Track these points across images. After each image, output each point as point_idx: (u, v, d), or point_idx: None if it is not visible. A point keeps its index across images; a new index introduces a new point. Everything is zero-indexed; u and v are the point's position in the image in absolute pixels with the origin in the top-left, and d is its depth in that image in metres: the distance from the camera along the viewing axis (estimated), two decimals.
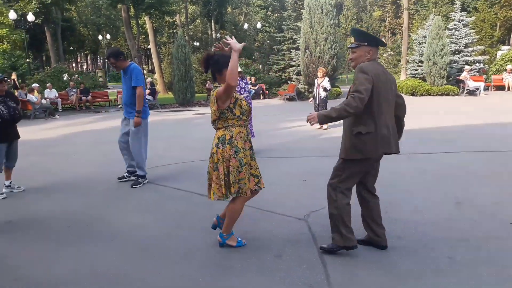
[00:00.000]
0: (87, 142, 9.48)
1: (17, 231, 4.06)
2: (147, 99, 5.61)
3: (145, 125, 5.51)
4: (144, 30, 30.93)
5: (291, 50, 21.60)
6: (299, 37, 19.78)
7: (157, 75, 27.05)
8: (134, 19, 25.21)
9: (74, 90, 18.32)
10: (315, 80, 9.93)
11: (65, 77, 19.34)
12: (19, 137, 5.42)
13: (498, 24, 32.55)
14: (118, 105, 18.63)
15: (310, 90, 19.50)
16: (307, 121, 3.17)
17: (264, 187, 3.40)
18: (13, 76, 17.00)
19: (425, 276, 2.93)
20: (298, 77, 20.16)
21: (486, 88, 18.33)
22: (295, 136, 9.21)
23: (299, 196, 4.83)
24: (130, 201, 4.94)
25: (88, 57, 63.60)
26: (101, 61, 64.21)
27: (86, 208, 4.71)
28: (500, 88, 19.06)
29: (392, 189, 4.98)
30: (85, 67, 62.52)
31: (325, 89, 9.50)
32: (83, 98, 18.32)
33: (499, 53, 24.45)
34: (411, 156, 6.72)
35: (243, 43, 3.28)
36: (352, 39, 3.30)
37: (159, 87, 25.07)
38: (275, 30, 36.08)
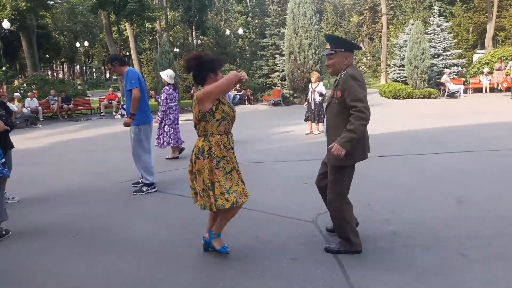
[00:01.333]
0: (76, 151, 9.28)
1: (19, 243, 3.92)
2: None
3: (146, 130, 5.40)
4: (124, 37, 30.59)
5: (275, 55, 21.72)
6: (283, 43, 19.91)
7: None
8: (115, 25, 24.93)
9: (55, 98, 17.94)
10: (309, 85, 9.97)
11: (79, 84, 18.64)
12: (13, 147, 5.26)
13: (471, 28, 33.60)
14: (101, 113, 18.32)
15: (295, 95, 19.64)
16: (333, 155, 3.05)
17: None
18: None
19: (443, 274, 2.97)
20: (283, 82, 20.27)
21: (465, 91, 18.83)
22: (289, 140, 9.24)
23: (303, 199, 4.84)
24: (133, 209, 4.86)
25: (65, 64, 62.38)
26: (78, 69, 63.10)
27: (87, 217, 4.60)
28: (478, 90, 19.61)
29: (394, 189, 5.05)
30: (61, 75, 61.31)
31: (320, 94, 9.53)
32: (65, 106, 17.94)
33: (475, 56, 25.19)
34: (407, 157, 6.83)
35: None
36: (328, 46, 3.29)
37: None
38: (256, 36, 36.28)
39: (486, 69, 19.48)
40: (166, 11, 34.00)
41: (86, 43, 45.30)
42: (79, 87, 27.39)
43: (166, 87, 7.53)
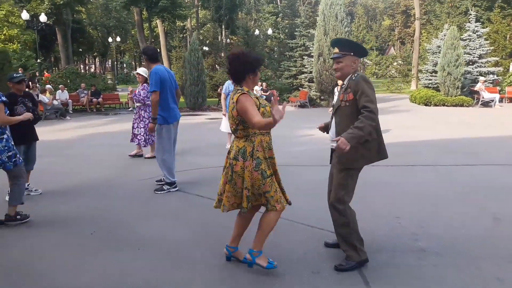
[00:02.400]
0: (103, 144, 9.37)
1: (37, 236, 3.92)
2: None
3: (169, 130, 5.33)
4: (155, 33, 30.99)
5: (303, 56, 21.48)
6: (312, 44, 19.66)
7: None
8: (146, 22, 25.26)
9: (85, 91, 18.29)
10: (335, 89, 9.68)
11: (109, 79, 19.07)
12: (38, 139, 5.30)
13: (508, 35, 32.35)
14: (129, 107, 18.57)
15: (322, 97, 19.37)
16: (337, 149, 2.90)
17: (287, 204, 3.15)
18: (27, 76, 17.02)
19: (437, 272, 2.75)
20: (310, 84, 20.02)
21: (500, 100, 18.10)
22: (314, 143, 9.05)
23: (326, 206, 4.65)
24: (152, 206, 4.80)
25: (97, 59, 63.90)
26: (110, 63, 64.51)
27: (107, 213, 4.57)
28: None
29: (424, 202, 4.81)
30: (92, 69, 62.83)
31: None
32: (94, 100, 18.27)
33: None
34: (437, 167, 6.53)
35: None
36: (336, 50, 3.16)
37: None
38: (285, 36, 36.07)
39: None
40: (197, 9, 34.28)
41: (118, 39, 46.25)
42: (109, 81, 27.89)
43: (145, 84, 7.44)
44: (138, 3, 19.21)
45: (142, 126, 7.55)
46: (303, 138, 9.82)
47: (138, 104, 7.61)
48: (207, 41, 36.00)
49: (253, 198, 2.99)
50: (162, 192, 5.29)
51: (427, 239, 3.71)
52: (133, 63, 63.04)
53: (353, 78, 3.10)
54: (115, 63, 59.84)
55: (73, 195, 5.26)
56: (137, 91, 7.63)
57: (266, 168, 2.98)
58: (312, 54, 19.29)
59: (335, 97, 9.50)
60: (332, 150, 3.23)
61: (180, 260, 3.36)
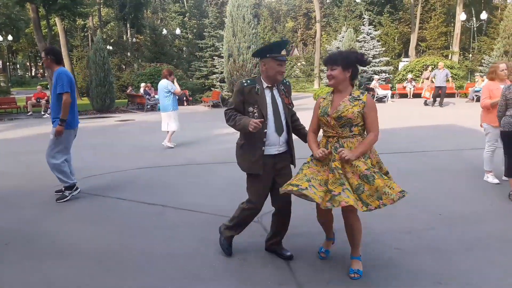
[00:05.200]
0: (2, 153, 8.61)
1: None
2: None
3: (69, 135, 5.06)
4: (54, 32, 28.85)
5: (214, 57, 21.71)
6: (221, 45, 19.97)
7: None
8: (44, 20, 23.39)
9: None
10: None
11: (1, 81, 17.03)
12: None
13: (396, 38, 36.02)
14: (28, 112, 17.14)
15: None
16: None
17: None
18: None
19: (379, 266, 3.21)
20: (222, 84, 20.33)
21: (392, 96, 20.15)
22: (231, 142, 9.29)
23: None
24: (71, 213, 4.64)
25: None
26: (1, 65, 58.18)
27: (21, 223, 4.32)
28: (403, 95, 21.09)
29: None
30: None
31: None
32: None
33: (401, 64, 27.08)
34: None
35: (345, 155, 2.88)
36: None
37: None
38: (194, 36, 35.94)
39: (410, 76, 21.01)
40: (99, 7, 32.59)
41: (10, 37, 41.96)
42: (2, 84, 25.36)
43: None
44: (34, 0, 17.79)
45: None
46: (220, 137, 10.03)
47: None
48: (112, 40, 34.45)
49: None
50: (65, 199, 4.99)
51: (336, 221, 4.15)
52: (28, 63, 57.71)
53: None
54: (7, 64, 54.21)
55: None
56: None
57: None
58: (222, 54, 19.60)
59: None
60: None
61: (108, 263, 3.35)
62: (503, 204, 4.62)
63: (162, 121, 8.63)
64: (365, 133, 3.09)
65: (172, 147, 8.60)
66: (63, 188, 5.16)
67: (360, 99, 3.04)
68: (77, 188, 5.18)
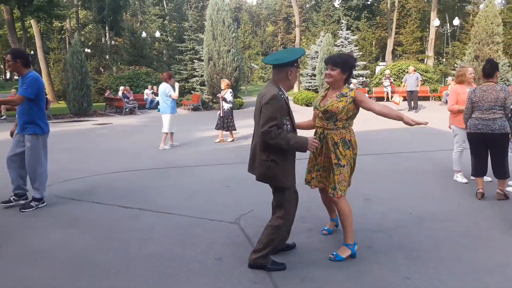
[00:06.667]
0: None
1: None
2: None
3: (44, 140, 4.98)
4: (29, 34, 28.27)
5: (194, 60, 21.69)
6: (201, 48, 19.98)
7: (45, 83, 24.85)
8: (19, 21, 22.89)
9: None
10: (221, 92, 9.90)
11: None
12: None
13: (373, 42, 36.74)
14: (2, 116, 16.76)
15: (214, 100, 19.79)
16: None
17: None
18: None
19: (353, 262, 3.31)
20: (202, 87, 20.32)
21: None
22: (209, 145, 9.33)
23: (226, 202, 4.99)
24: (44, 217, 4.58)
25: None
26: None
27: None
28: (380, 99, 21.46)
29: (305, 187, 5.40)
30: None
31: (224, 100, 9.46)
32: None
33: (378, 68, 27.60)
34: None
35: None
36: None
37: (49, 96, 23.09)
38: (174, 39, 35.81)
39: (388, 71, 21.09)
40: (77, 9, 32.13)
41: None
42: None
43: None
44: (8, 1, 17.36)
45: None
46: (198, 140, 10.04)
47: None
48: (90, 43, 33.98)
49: None
50: (31, 209, 4.81)
51: (313, 221, 4.25)
52: (1, 66, 56.26)
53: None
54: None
55: None
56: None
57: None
58: (202, 58, 19.60)
59: (220, 100, 9.82)
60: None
61: (83, 266, 3.34)
62: (471, 203, 4.80)
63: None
64: (350, 127, 3.48)
65: (169, 148, 9.00)
66: (12, 199, 4.98)
67: (348, 95, 3.36)
68: (44, 202, 4.99)
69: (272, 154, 3.02)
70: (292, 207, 3.25)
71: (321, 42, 22.45)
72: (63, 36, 35.38)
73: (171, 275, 3.18)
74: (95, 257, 3.51)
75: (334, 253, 3.38)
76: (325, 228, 3.95)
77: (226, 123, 9.47)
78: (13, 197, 5.02)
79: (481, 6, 30.10)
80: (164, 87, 8.81)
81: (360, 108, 3.40)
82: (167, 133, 8.97)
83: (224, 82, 9.63)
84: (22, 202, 5.01)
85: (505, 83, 18.54)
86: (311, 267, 3.26)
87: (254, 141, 3.22)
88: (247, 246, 3.66)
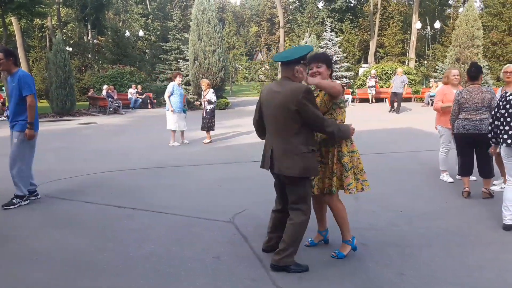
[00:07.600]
0: None
1: None
2: None
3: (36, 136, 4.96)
4: (9, 32, 27.65)
5: (179, 60, 21.59)
6: (186, 48, 19.91)
7: None
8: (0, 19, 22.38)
9: None
10: (202, 92, 9.88)
11: None
12: None
13: (356, 44, 37.23)
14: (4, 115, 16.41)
15: (199, 100, 19.72)
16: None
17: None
18: None
19: (348, 259, 3.39)
20: (187, 87, 20.24)
21: (352, 100, 20.78)
22: (197, 145, 9.34)
23: (220, 201, 5.02)
24: (39, 217, 4.54)
25: None
26: None
27: None
28: (363, 100, 21.78)
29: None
30: None
31: (209, 102, 9.48)
32: None
33: (361, 70, 27.96)
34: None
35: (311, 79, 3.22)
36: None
37: None
38: (157, 39, 35.54)
39: (373, 71, 21.26)
40: (58, 7, 31.56)
41: None
42: None
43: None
44: None
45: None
46: (189, 140, 10.02)
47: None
48: (72, 42, 33.44)
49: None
50: (13, 206, 4.80)
51: (310, 220, 4.31)
52: None
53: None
54: None
55: None
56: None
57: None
58: (187, 57, 19.54)
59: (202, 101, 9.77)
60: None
61: (82, 266, 3.34)
62: (457, 201, 4.96)
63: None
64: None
65: (178, 145, 9.28)
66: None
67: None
68: (27, 199, 4.97)
69: (310, 145, 3.14)
70: (309, 199, 3.31)
71: (306, 43, 22.63)
72: (43, 34, 34.72)
73: (171, 274, 3.20)
74: (94, 257, 3.50)
75: (336, 251, 3.46)
76: (309, 240, 3.68)
77: (208, 123, 9.51)
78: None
79: (461, 10, 30.85)
80: (170, 85, 9.45)
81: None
82: (174, 131, 9.24)
83: (204, 83, 9.64)
84: (33, 198, 5.04)
85: (484, 85, 19.06)
86: (308, 265, 3.32)
87: (271, 141, 3.21)
88: (244, 245, 3.71)
